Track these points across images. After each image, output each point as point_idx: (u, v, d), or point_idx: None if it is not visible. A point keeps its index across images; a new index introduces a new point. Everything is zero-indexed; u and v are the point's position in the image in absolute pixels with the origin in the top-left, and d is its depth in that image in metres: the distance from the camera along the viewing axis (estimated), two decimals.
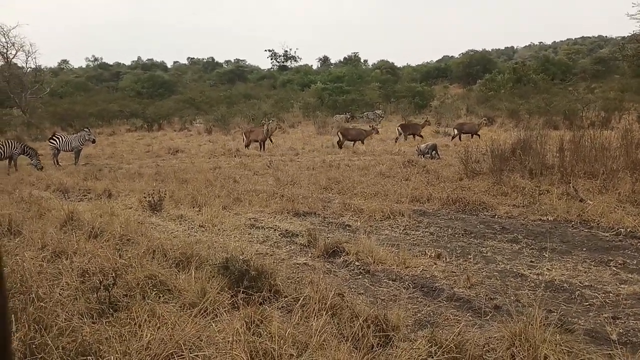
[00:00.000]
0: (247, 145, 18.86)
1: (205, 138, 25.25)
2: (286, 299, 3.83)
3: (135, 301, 3.60)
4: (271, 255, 5.67)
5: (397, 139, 19.50)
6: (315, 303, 3.38)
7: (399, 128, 20.45)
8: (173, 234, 6.70)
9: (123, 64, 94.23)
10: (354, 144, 18.39)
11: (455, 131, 19.66)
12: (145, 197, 8.42)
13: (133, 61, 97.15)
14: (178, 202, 8.79)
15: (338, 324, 3.27)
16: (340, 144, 18.09)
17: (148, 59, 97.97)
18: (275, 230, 6.92)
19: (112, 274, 3.96)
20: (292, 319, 3.21)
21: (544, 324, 3.08)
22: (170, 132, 30.66)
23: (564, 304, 4.03)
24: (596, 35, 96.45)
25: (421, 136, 19.30)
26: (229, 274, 4.15)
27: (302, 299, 3.49)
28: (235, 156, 16.89)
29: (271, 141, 20.03)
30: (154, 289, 3.89)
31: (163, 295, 3.82)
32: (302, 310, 3.42)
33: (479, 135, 18.64)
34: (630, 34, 24.04)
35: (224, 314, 3.48)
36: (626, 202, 7.19)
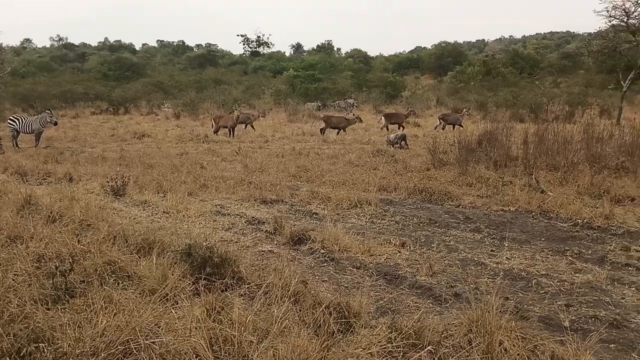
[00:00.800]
0: (215, 132, 18.61)
1: (173, 123, 24.78)
2: (249, 285, 3.80)
3: (93, 287, 3.51)
4: (236, 242, 5.63)
5: (383, 127, 19.52)
6: (278, 290, 3.37)
7: (382, 117, 20.50)
8: (136, 219, 6.56)
9: (89, 44, 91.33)
10: (338, 132, 18.34)
11: (440, 121, 19.85)
12: (108, 182, 8.21)
13: (100, 42, 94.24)
14: (142, 188, 8.61)
15: (300, 310, 3.27)
16: (322, 131, 18.03)
17: (115, 40, 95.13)
18: (241, 217, 6.86)
19: (69, 260, 3.85)
20: (254, 306, 3.19)
21: (500, 311, 3.15)
22: (137, 116, 29.95)
23: (520, 291, 4.14)
24: (564, 31, 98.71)
25: (403, 127, 19.34)
26: (191, 260, 4.09)
27: (264, 286, 3.47)
28: (203, 142, 16.64)
29: (253, 128, 19.88)
30: (113, 275, 3.80)
31: (122, 282, 3.74)
32: (265, 298, 3.40)
33: (461, 126, 18.82)
34: (596, 30, 24.63)
35: (185, 300, 3.43)
36: (585, 194, 7.42)
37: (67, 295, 3.52)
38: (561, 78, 44.34)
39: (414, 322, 3.04)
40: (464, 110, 22.12)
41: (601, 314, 3.61)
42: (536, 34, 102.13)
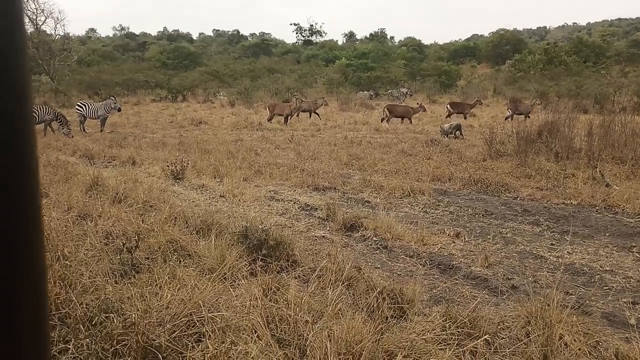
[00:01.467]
0: (270, 119, 18.88)
1: (228, 110, 25.36)
2: (303, 269, 3.87)
3: (157, 264, 3.69)
4: (290, 227, 5.72)
5: (448, 116, 19.18)
6: (332, 274, 3.41)
7: (448, 105, 20.12)
8: (194, 202, 6.80)
9: (149, 34, 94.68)
10: (402, 121, 18.17)
11: (510, 111, 19.23)
12: (168, 166, 8.54)
13: (159, 32, 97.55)
14: (200, 172, 8.90)
15: (353, 295, 3.30)
16: (387, 120, 17.95)
17: (174, 30, 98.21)
18: (294, 203, 6.96)
19: (134, 237, 4.05)
20: (309, 288, 3.25)
21: (561, 305, 3.06)
22: (194, 103, 30.86)
23: (582, 287, 3.98)
24: (634, 17, 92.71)
25: (465, 117, 18.89)
26: (248, 242, 4.21)
27: (318, 269, 3.53)
28: (257, 129, 16.94)
29: (318, 115, 20.01)
30: (175, 254, 3.97)
31: (184, 260, 3.90)
32: (319, 281, 3.46)
33: (528, 117, 18.07)
34: None
35: (242, 280, 3.54)
36: None
37: (133, 271, 3.72)
38: (629, 67, 41.78)
39: (469, 311, 3.00)
40: (535, 101, 21.29)
41: None
42: (602, 20, 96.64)
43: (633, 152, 8.39)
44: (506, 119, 18.71)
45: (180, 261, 3.83)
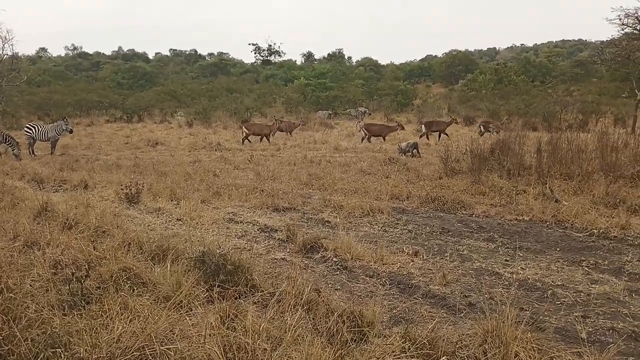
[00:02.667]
0: (245, 138, 18.73)
1: (186, 131, 25.02)
2: (262, 293, 3.80)
3: (108, 294, 3.54)
4: (249, 249, 5.63)
5: (422, 135, 19.51)
6: (291, 298, 3.37)
7: (423, 125, 20.49)
8: (150, 226, 6.63)
9: (103, 53, 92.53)
10: (384, 139, 18.46)
11: (482, 128, 19.83)
12: (123, 189, 8.30)
13: (114, 51, 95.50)
14: (156, 195, 8.69)
15: (313, 319, 3.26)
16: (367, 139, 18.21)
17: (129, 49, 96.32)
18: (254, 225, 6.88)
19: (85, 266, 3.89)
20: (267, 313, 3.19)
21: (515, 322, 3.12)
22: (151, 124, 30.29)
23: (536, 302, 4.09)
24: (576, 39, 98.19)
25: (446, 134, 19.23)
26: (205, 267, 4.11)
27: (278, 293, 3.48)
28: (215, 150, 16.77)
29: (290, 134, 20.19)
30: (128, 282, 3.83)
31: (137, 289, 3.76)
32: (278, 305, 3.41)
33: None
34: (609, 39, 24.48)
35: (199, 307, 3.44)
36: (600, 204, 7.33)
37: (83, 301, 3.56)
38: (574, 86, 44.04)
39: (428, 331, 3.02)
40: (505, 118, 22.11)
41: (619, 326, 3.56)
42: (548, 42, 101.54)
43: (580, 168, 8.78)
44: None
45: (133, 290, 3.70)
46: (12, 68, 37.90)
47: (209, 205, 8.02)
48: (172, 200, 8.32)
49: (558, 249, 5.63)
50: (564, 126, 22.06)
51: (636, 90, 21.62)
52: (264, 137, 18.95)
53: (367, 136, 18.33)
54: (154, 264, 4.44)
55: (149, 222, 6.92)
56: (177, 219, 7.14)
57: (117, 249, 4.60)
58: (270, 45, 76.26)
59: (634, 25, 20.21)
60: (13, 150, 15.36)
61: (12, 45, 50.36)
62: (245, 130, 19.12)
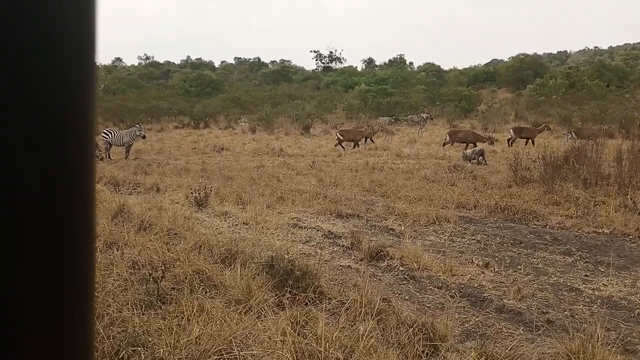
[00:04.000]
0: (339, 143, 19.00)
1: (249, 137, 25.61)
2: (331, 302, 3.78)
3: (183, 295, 3.66)
4: (314, 255, 5.65)
5: (509, 140, 18.80)
6: (361, 307, 3.33)
7: (511, 130, 19.71)
8: (218, 229, 6.80)
9: (173, 62, 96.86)
10: (466, 147, 17.74)
11: (572, 134, 18.72)
12: (192, 193, 8.59)
13: (182, 60, 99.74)
14: (223, 199, 8.93)
15: (383, 329, 3.21)
16: (447, 144, 17.97)
17: (197, 58, 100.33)
18: (318, 230, 6.90)
19: (161, 267, 4.04)
20: (338, 322, 3.17)
21: (603, 343, 2.92)
22: (216, 130, 31.27)
23: (622, 322, 3.81)
24: None
25: (533, 142, 18.28)
26: (273, 272, 4.15)
27: (348, 302, 3.45)
28: (278, 155, 17.04)
29: (372, 141, 20.12)
30: (201, 284, 3.94)
31: (209, 291, 3.86)
32: (347, 314, 3.38)
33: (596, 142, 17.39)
34: None
35: (269, 312, 3.48)
36: None
37: (159, 301, 3.69)
38: None
39: (507, 349, 2.88)
40: (602, 125, 20.77)
41: None
42: (625, 44, 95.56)
43: None
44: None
45: (206, 292, 3.80)
46: None
47: (274, 210, 8.13)
48: (238, 205, 8.51)
49: None
50: None
51: None
52: (356, 143, 19.13)
53: (450, 142, 17.99)
54: (224, 267, 4.54)
55: (217, 226, 7.11)
56: (244, 223, 7.29)
57: (190, 251, 4.75)
58: (332, 52, 76.88)
59: None
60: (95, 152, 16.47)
61: None
62: (339, 136, 19.32)
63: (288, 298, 3.61)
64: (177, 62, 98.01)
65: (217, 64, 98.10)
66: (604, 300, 4.22)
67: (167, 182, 10.80)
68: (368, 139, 20.17)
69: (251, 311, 3.46)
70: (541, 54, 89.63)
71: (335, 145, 18.82)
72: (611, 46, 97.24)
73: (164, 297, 3.76)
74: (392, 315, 3.38)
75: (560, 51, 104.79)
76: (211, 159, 16.54)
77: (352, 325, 3.18)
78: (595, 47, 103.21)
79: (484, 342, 3.10)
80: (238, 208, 8.26)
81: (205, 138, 24.93)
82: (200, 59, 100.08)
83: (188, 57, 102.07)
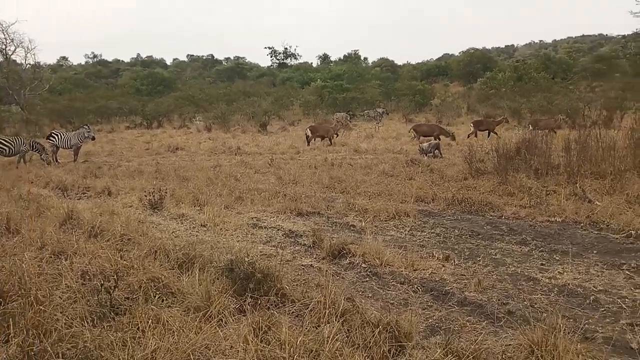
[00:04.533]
0: (310, 141, 18.80)
1: (205, 136, 25.11)
2: (294, 304, 3.69)
3: (138, 304, 3.47)
4: (275, 256, 5.54)
5: (469, 134, 19.28)
6: (325, 308, 3.26)
7: (472, 124, 20.26)
8: (175, 233, 6.58)
9: (122, 60, 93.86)
10: (435, 138, 17.90)
11: (530, 126, 19.13)
12: (146, 196, 8.30)
13: (132, 58, 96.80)
14: (179, 201, 8.67)
15: (349, 330, 3.14)
16: (418, 138, 18.06)
17: (147, 56, 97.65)
18: (278, 230, 6.79)
19: (113, 276, 3.83)
20: (302, 325, 3.08)
21: (564, 332, 2.96)
22: (170, 129, 30.51)
23: (578, 309, 3.90)
24: (596, 34, 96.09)
25: (496, 133, 18.75)
26: (233, 276, 4.02)
27: (311, 304, 3.36)
28: (235, 154, 16.76)
29: (336, 135, 19.93)
30: (157, 292, 3.76)
31: (166, 299, 3.69)
32: (311, 315, 3.30)
33: (555, 132, 17.16)
34: (633, 32, 23.84)
35: (230, 318, 3.35)
36: (635, 203, 7.06)
37: (112, 312, 3.50)
38: (596, 82, 43.00)
39: (472, 344, 2.88)
40: (559, 115, 21.41)
41: None
42: (567, 37, 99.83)
43: (612, 166, 8.49)
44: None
45: (162, 300, 3.62)
46: (34, 77, 38.81)
47: (232, 211, 7.96)
48: (195, 206, 8.28)
49: (595, 252, 5.41)
50: (588, 123, 21.56)
51: None
52: (328, 139, 19.06)
53: (417, 136, 18.25)
54: (182, 273, 4.37)
55: (173, 229, 6.88)
56: (201, 225, 7.09)
57: (144, 258, 4.55)
58: (286, 49, 76.39)
59: None
60: (41, 156, 15.81)
61: (34, 54, 51.43)
62: (308, 132, 19.18)
63: (249, 303, 3.49)
64: (127, 60, 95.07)
65: (169, 62, 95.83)
66: (560, 289, 4.33)
67: (119, 185, 10.39)
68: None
69: (211, 318, 3.32)
70: (490, 48, 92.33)
71: (309, 144, 18.68)
72: (555, 39, 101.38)
73: (117, 308, 3.57)
74: (356, 315, 3.32)
75: (508, 45, 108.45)
76: (166, 159, 16.09)
77: (316, 328, 3.10)
78: (541, 40, 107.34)
79: (449, 337, 3.09)
80: (195, 209, 8.04)
81: (158, 138, 24.26)
82: (151, 56, 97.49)
83: (138, 55, 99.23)
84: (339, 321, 3.14)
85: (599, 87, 39.28)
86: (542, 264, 5.05)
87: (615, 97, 28.81)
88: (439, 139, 17.41)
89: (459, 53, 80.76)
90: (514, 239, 6.02)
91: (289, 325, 3.03)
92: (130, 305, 3.54)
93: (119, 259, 4.47)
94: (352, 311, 3.37)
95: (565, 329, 2.99)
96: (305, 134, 19.33)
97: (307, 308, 3.33)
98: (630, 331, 3.44)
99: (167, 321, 3.08)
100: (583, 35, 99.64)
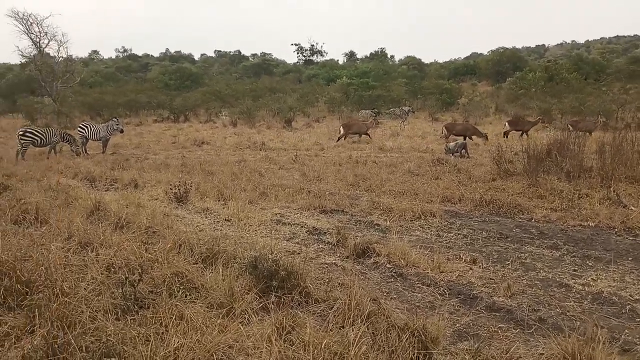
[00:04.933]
0: (344, 137, 18.79)
1: (230, 130, 25.25)
2: (318, 304, 3.62)
3: (162, 299, 3.46)
4: (299, 253, 5.49)
5: (505, 133, 18.96)
6: (349, 310, 3.18)
7: (506, 123, 19.90)
8: (199, 227, 6.59)
9: (151, 55, 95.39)
10: (465, 138, 17.33)
11: (570, 127, 18.62)
12: (171, 189, 8.35)
13: (161, 53, 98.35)
14: (204, 195, 8.70)
15: (374, 334, 3.06)
16: (447, 137, 17.78)
17: (176, 51, 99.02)
18: (302, 227, 6.74)
19: (138, 270, 3.82)
20: (326, 326, 3.02)
21: (596, 341, 2.82)
22: (196, 123, 30.80)
23: (614, 319, 3.74)
24: (632, 35, 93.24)
25: (527, 134, 18.38)
26: (257, 273, 3.98)
27: (336, 305, 3.29)
28: (260, 149, 16.79)
29: (369, 135, 19.84)
30: (181, 287, 3.74)
31: (190, 294, 3.67)
32: (335, 317, 3.22)
33: (590, 134, 16.84)
34: None
35: (253, 316, 3.31)
36: None
37: (136, 306, 3.49)
38: (630, 84, 41.67)
39: (502, 352, 2.76)
40: (599, 117, 20.70)
41: None
42: (601, 38, 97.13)
43: None
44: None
45: (186, 295, 3.60)
46: (66, 70, 39.70)
47: (256, 206, 7.94)
48: (219, 200, 8.30)
49: (630, 259, 5.20)
50: (622, 125, 20.89)
51: None
52: (365, 134, 19.07)
53: (447, 135, 17.96)
54: (205, 268, 4.35)
55: (197, 223, 6.90)
56: (225, 220, 7.09)
57: (169, 251, 4.54)
58: (313, 45, 76.43)
59: None
60: (71, 147, 16.14)
61: (66, 48, 52.60)
62: (341, 129, 19.15)
63: (273, 301, 3.44)
64: (156, 54, 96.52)
65: (196, 57, 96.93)
66: (594, 296, 4.15)
67: (145, 178, 10.50)
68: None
69: (234, 316, 3.28)
70: (520, 47, 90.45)
71: (338, 140, 18.63)
72: (588, 40, 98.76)
73: (141, 302, 3.56)
74: (382, 318, 3.24)
75: (539, 45, 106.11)
76: (191, 153, 16.22)
77: (341, 329, 3.03)
78: (573, 41, 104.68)
79: (478, 344, 2.98)
80: (219, 204, 8.05)
81: (185, 132, 24.51)
82: (179, 51, 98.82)
83: (167, 49, 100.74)
84: (364, 324, 3.06)
85: (634, 88, 38.10)
86: (574, 270, 4.87)
87: None
88: (471, 139, 17.12)
89: (488, 52, 79.42)
90: (544, 242, 5.83)
91: (313, 326, 2.97)
92: (154, 300, 3.53)
93: (144, 251, 4.48)
94: (378, 313, 3.29)
95: (602, 340, 2.85)
96: (339, 130, 19.26)
97: (332, 308, 3.26)
98: None
99: (191, 318, 3.05)
100: (617, 37, 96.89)
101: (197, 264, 4.46)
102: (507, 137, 18.43)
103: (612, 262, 5.09)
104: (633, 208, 6.91)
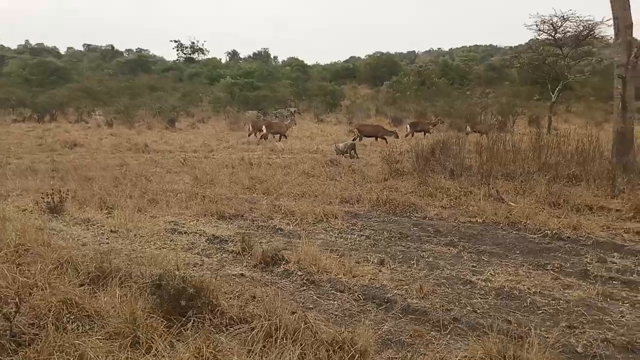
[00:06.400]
0: (265, 137, 18.46)
1: (106, 131, 23.29)
2: (233, 321, 3.32)
3: (48, 333, 2.91)
4: (201, 265, 5.09)
5: (406, 135, 19.41)
6: (277, 330, 2.93)
7: (407, 126, 20.61)
8: (81, 241, 5.85)
9: (8, 47, 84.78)
10: (376, 139, 17.92)
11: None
12: (43, 198, 7.34)
13: (20, 45, 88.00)
14: (83, 204, 7.79)
15: (303, 354, 2.85)
16: (359, 138, 17.75)
17: (37, 44, 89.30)
18: (200, 235, 6.30)
19: (13, 299, 3.20)
20: (252, 348, 2.74)
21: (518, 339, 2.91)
22: (65, 123, 27.96)
23: (518, 313, 3.94)
24: (487, 44, 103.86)
25: (430, 133, 18.85)
26: (160, 292, 3.55)
27: (259, 324, 3.02)
28: (143, 152, 15.67)
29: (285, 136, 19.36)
30: (70, 316, 3.19)
31: (81, 324, 3.15)
32: (258, 336, 2.96)
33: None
34: (524, 43, 26.03)
35: (162, 344, 2.91)
36: (544, 203, 7.50)
37: (13, 344, 2.90)
38: (489, 89, 46.41)
39: (429, 358, 2.72)
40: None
41: (609, 336, 3.46)
42: (462, 46, 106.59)
43: (521, 168, 9.00)
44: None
45: (78, 326, 3.08)
46: None
47: (146, 214, 7.29)
48: (102, 209, 7.49)
49: (518, 252, 5.60)
50: (486, 127, 23.06)
51: (551, 93, 23.04)
52: (282, 136, 18.84)
53: (359, 136, 18.16)
54: (97, 290, 3.80)
55: (78, 236, 6.12)
56: (111, 231, 6.39)
57: (50, 273, 3.90)
58: (194, 43, 73.63)
59: (549, 32, 21.50)
60: None
61: None
62: (264, 128, 18.89)
63: (183, 323, 3.07)
64: (14, 47, 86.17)
65: (62, 51, 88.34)
66: (497, 292, 4.37)
67: (8, 186, 9.15)
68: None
69: (140, 346, 2.86)
70: (393, 52, 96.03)
71: (263, 138, 18.61)
72: (451, 48, 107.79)
73: (19, 338, 2.97)
74: (308, 334, 3.04)
75: (410, 51, 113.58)
76: (63, 156, 14.59)
77: (263, 350, 2.77)
78: (439, 48, 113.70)
79: (410, 354, 2.92)
80: (102, 213, 7.26)
81: (53, 133, 22.08)
82: (41, 44, 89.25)
83: (27, 41, 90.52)
84: (292, 343, 2.83)
85: (492, 93, 42.48)
86: (473, 266, 5.11)
87: (507, 102, 31.23)
88: (385, 139, 17.64)
89: (366, 56, 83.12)
90: (441, 240, 6.08)
91: (238, 352, 2.67)
92: (37, 335, 2.96)
93: (18, 275, 3.78)
94: (304, 329, 3.08)
95: (527, 338, 2.94)
96: (260, 129, 19.18)
97: (253, 329, 2.98)
98: (572, 334, 3.51)
99: (89, 355, 2.57)
100: (476, 45, 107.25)
101: (85, 286, 3.89)
102: (412, 136, 19.35)
103: (504, 256, 5.45)
104: (512, 204, 7.53)
